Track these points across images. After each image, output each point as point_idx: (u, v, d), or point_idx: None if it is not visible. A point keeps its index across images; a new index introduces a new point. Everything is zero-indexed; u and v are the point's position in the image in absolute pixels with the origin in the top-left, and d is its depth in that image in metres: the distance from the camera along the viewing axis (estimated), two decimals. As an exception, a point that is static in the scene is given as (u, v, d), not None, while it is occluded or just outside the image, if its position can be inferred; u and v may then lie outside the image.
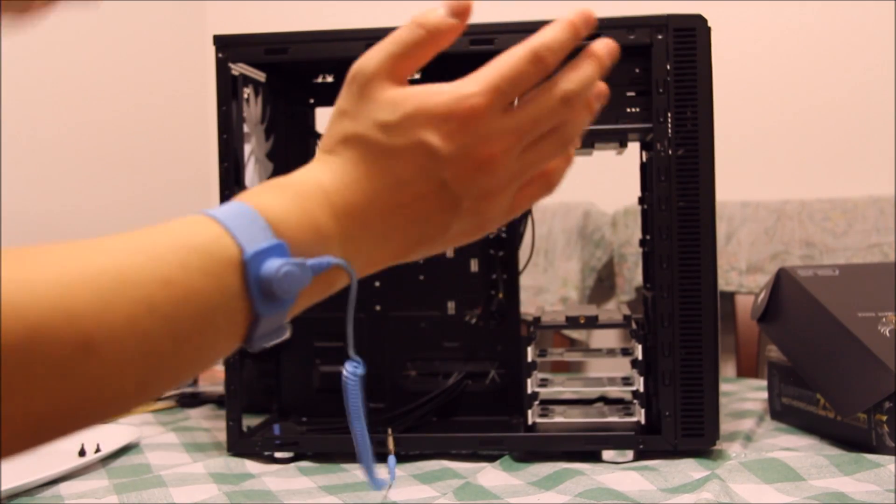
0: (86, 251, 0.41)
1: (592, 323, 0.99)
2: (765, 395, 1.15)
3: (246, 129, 1.02)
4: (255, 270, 0.45)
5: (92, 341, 0.39)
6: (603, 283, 1.91)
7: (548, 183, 0.60)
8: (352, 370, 0.59)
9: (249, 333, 0.46)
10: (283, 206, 0.48)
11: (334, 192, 0.51)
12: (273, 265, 0.45)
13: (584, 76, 0.56)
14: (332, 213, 0.50)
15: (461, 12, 0.56)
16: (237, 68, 0.99)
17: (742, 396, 1.25)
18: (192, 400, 1.28)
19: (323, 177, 0.52)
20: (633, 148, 1.03)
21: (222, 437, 1.01)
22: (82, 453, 0.95)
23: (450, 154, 0.50)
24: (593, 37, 0.94)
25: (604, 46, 0.58)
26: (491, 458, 0.94)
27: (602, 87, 0.59)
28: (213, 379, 1.39)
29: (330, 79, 1.12)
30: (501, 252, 1.09)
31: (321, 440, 0.99)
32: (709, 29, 0.92)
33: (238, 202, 0.48)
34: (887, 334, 0.93)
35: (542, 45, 0.53)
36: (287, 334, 0.49)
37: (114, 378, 0.41)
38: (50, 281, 0.39)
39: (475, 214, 0.53)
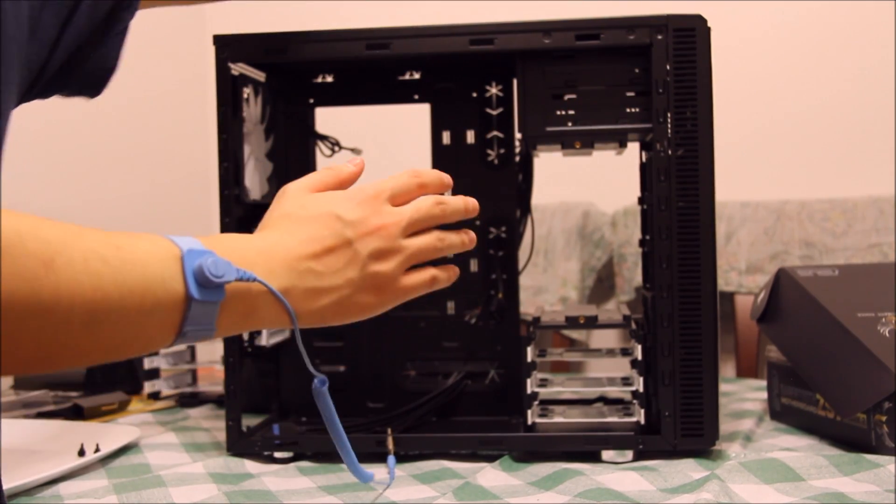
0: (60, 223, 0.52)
1: (592, 323, 0.99)
2: (764, 395, 1.15)
3: (246, 129, 1.02)
4: (191, 261, 0.55)
5: (53, 262, 0.49)
6: (602, 283, 1.91)
7: (433, 279, 0.74)
8: (320, 383, 0.69)
9: (183, 317, 0.55)
10: (220, 242, 0.61)
11: (261, 242, 0.64)
12: (206, 257, 0.56)
13: (454, 207, 0.74)
14: (258, 252, 0.62)
15: (359, 169, 0.74)
16: (237, 68, 0.99)
17: (742, 396, 1.25)
18: (191, 400, 1.28)
19: (255, 238, 0.65)
20: (633, 148, 1.03)
21: (222, 437, 1.01)
22: (82, 453, 0.95)
23: (353, 219, 0.66)
24: (593, 37, 0.94)
25: (471, 204, 0.76)
26: (490, 458, 0.94)
27: (471, 235, 0.77)
28: (213, 379, 1.39)
29: (330, 79, 1.12)
30: (501, 252, 1.09)
31: (321, 440, 0.99)
32: (709, 29, 0.92)
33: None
34: (887, 334, 0.93)
35: (424, 172, 0.74)
36: (213, 335, 0.57)
37: (66, 299, 0.49)
38: (28, 218, 0.50)
39: (374, 277, 0.67)
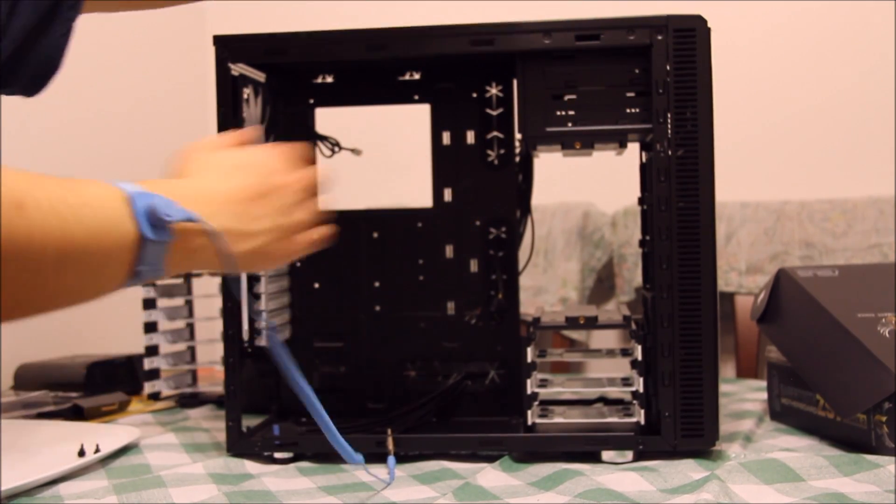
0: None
1: (592, 323, 0.99)
2: (764, 395, 1.15)
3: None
4: (140, 203, 0.58)
5: (23, 203, 0.51)
6: (602, 284, 1.91)
7: (324, 235, 0.79)
8: (271, 329, 0.76)
9: (136, 257, 0.57)
10: (158, 186, 0.63)
11: (198, 185, 0.67)
12: (154, 199, 0.58)
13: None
14: (197, 194, 0.65)
15: (256, 134, 0.79)
16: (237, 68, 0.99)
17: (742, 397, 1.25)
18: (191, 400, 1.28)
19: (191, 182, 0.68)
20: (633, 148, 1.03)
21: (222, 437, 1.01)
22: (82, 453, 0.95)
23: (279, 170, 0.72)
24: (593, 38, 0.94)
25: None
26: (490, 459, 0.94)
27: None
28: (213, 379, 1.39)
29: (330, 79, 1.12)
30: (501, 252, 1.10)
31: (321, 440, 0.98)
32: (709, 29, 0.92)
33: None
34: (887, 335, 0.93)
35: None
36: (162, 275, 0.60)
37: (38, 241, 0.52)
38: None
39: (294, 226, 0.72)
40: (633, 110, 0.95)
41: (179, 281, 1.34)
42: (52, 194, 0.53)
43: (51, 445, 1.00)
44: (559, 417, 1.01)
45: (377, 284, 1.11)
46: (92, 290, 0.57)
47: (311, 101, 1.12)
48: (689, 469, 0.88)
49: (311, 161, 0.79)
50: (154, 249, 0.58)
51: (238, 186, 0.68)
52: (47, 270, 0.53)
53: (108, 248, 0.56)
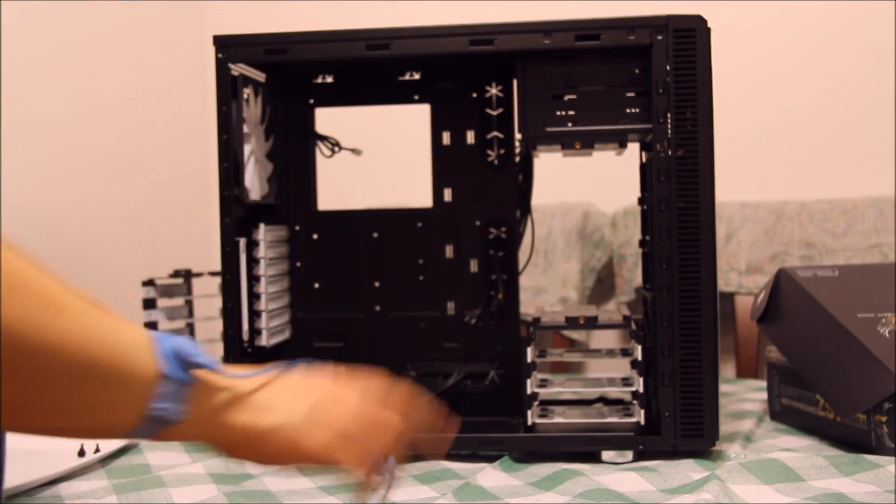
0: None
1: (592, 323, 0.99)
2: (764, 395, 1.15)
3: (246, 129, 1.02)
4: (163, 342, 0.54)
5: (65, 308, 0.49)
6: (602, 284, 1.91)
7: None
8: None
9: (154, 392, 0.53)
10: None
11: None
12: (177, 339, 0.55)
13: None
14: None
15: None
16: (237, 68, 0.99)
17: (741, 397, 1.25)
18: (191, 400, 1.28)
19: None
20: (633, 148, 1.03)
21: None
22: (82, 453, 0.95)
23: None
24: (593, 38, 0.94)
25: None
26: (490, 459, 0.94)
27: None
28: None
29: (330, 79, 1.12)
30: (501, 252, 1.10)
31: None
32: (709, 29, 0.92)
33: None
34: (887, 335, 0.93)
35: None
36: (179, 419, 0.55)
37: (71, 346, 0.49)
38: (29, 259, 0.50)
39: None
40: (633, 110, 0.95)
41: (179, 281, 1.34)
42: (84, 304, 0.51)
43: (51, 445, 1.00)
44: (559, 417, 1.01)
45: (377, 284, 1.11)
46: (100, 418, 0.54)
47: (311, 101, 1.12)
48: (689, 469, 0.88)
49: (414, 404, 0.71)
50: (173, 390, 0.54)
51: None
52: (65, 380, 0.50)
53: (128, 374, 0.52)
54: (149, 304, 1.29)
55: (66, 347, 0.49)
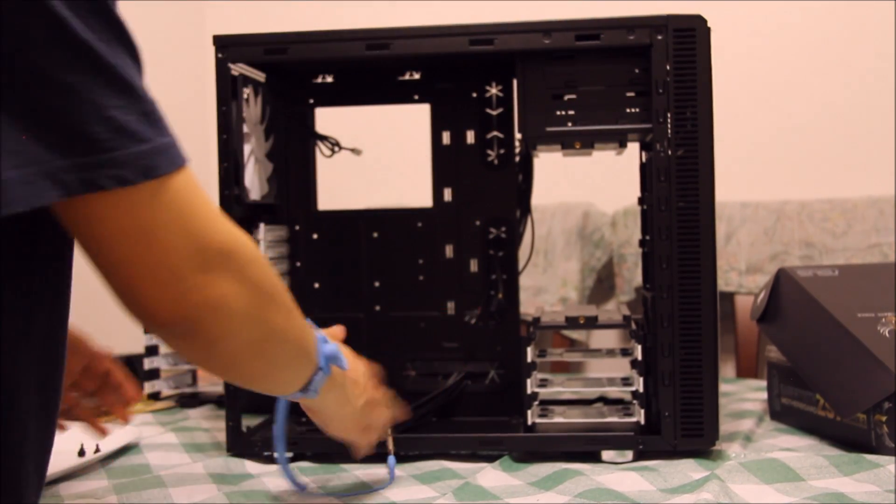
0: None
1: (592, 323, 0.99)
2: (764, 395, 1.15)
3: (246, 129, 1.02)
4: (322, 344, 0.75)
5: (293, 311, 0.68)
6: (602, 284, 1.91)
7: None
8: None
9: (312, 376, 0.74)
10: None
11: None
12: (332, 346, 0.76)
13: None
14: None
15: None
16: (237, 68, 0.99)
17: (741, 397, 1.25)
18: (191, 400, 1.28)
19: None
20: (633, 148, 1.03)
21: (222, 437, 1.01)
22: (82, 453, 0.95)
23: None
24: (593, 37, 0.94)
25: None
26: (490, 459, 0.94)
27: None
28: (213, 379, 1.39)
29: (330, 79, 1.12)
30: (501, 252, 1.09)
31: (320, 440, 0.98)
32: (708, 29, 0.92)
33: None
34: (887, 335, 0.93)
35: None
36: (316, 396, 0.76)
37: (289, 337, 0.68)
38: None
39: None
40: (632, 110, 0.95)
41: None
42: (296, 311, 0.68)
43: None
44: (559, 417, 1.01)
45: (377, 284, 1.11)
46: (285, 385, 0.74)
47: (311, 101, 1.12)
48: (689, 469, 0.88)
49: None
50: (320, 379, 0.74)
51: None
52: (286, 361, 0.70)
53: (308, 362, 0.73)
54: (149, 304, 1.29)
55: (294, 341, 0.69)
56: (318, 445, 0.98)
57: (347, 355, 0.81)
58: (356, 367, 0.84)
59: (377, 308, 1.11)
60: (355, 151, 1.16)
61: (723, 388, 1.28)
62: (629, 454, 0.93)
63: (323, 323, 1.11)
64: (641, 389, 0.96)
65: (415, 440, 0.96)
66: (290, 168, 1.12)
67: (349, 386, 0.81)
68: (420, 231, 1.11)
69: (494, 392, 1.09)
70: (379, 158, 1.69)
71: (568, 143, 0.97)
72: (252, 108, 1.05)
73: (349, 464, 0.94)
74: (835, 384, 0.94)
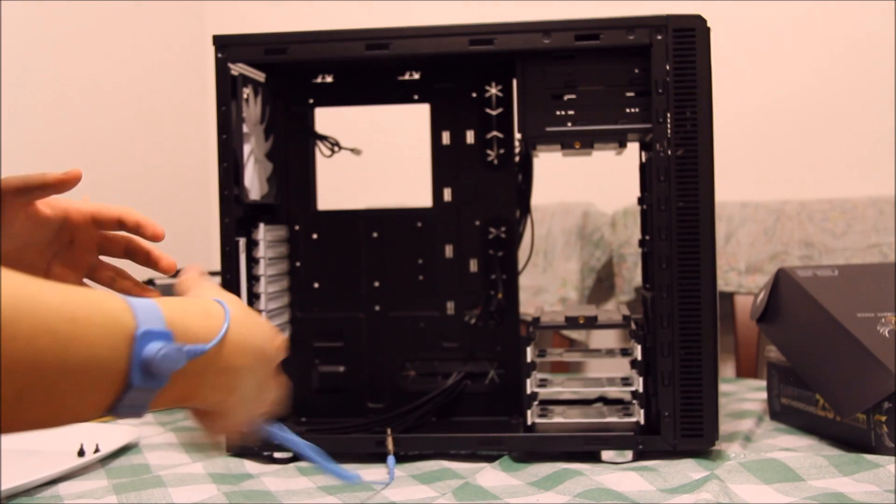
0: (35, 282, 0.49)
1: (592, 323, 0.99)
2: (764, 395, 1.15)
3: (245, 129, 1.02)
4: (141, 347, 0.52)
5: (16, 336, 0.46)
6: (602, 284, 1.91)
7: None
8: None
9: (118, 398, 0.52)
10: (179, 302, 0.59)
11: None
12: (155, 346, 0.53)
13: None
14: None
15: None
16: (237, 68, 0.99)
17: (741, 397, 1.25)
18: (191, 400, 1.28)
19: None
20: (633, 148, 1.03)
21: (222, 437, 1.00)
22: (81, 453, 0.95)
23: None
24: (593, 37, 0.94)
25: None
26: (490, 459, 0.94)
27: None
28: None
29: (329, 79, 1.12)
30: (501, 252, 1.10)
31: (320, 440, 0.99)
32: (708, 29, 0.92)
33: (149, 300, 0.56)
34: (886, 335, 0.93)
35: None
36: (144, 414, 0.55)
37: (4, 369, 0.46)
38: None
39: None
40: (632, 110, 0.95)
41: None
42: (42, 322, 0.47)
43: (51, 445, 1.00)
44: (559, 417, 1.01)
45: (377, 284, 1.11)
46: (57, 421, 0.51)
47: (311, 100, 1.12)
48: (688, 469, 0.88)
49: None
50: (139, 395, 0.53)
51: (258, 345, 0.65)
52: (6, 400, 0.47)
53: (86, 387, 0.50)
54: (148, 303, 1.29)
55: (28, 367, 0.47)
56: (317, 445, 0.98)
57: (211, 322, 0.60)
58: (248, 327, 0.64)
59: (377, 308, 1.11)
60: (355, 151, 1.16)
61: (722, 388, 1.28)
62: (629, 454, 0.93)
63: (323, 323, 1.11)
64: (641, 389, 0.96)
65: (415, 440, 0.97)
66: (289, 168, 1.12)
67: (247, 358, 0.62)
68: (420, 231, 1.11)
69: (494, 392, 1.09)
70: (379, 158, 1.69)
71: (568, 143, 0.97)
72: (252, 108, 1.05)
73: (348, 464, 0.94)
74: (834, 384, 0.94)
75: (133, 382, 0.52)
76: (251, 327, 0.64)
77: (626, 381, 1.02)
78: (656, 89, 0.92)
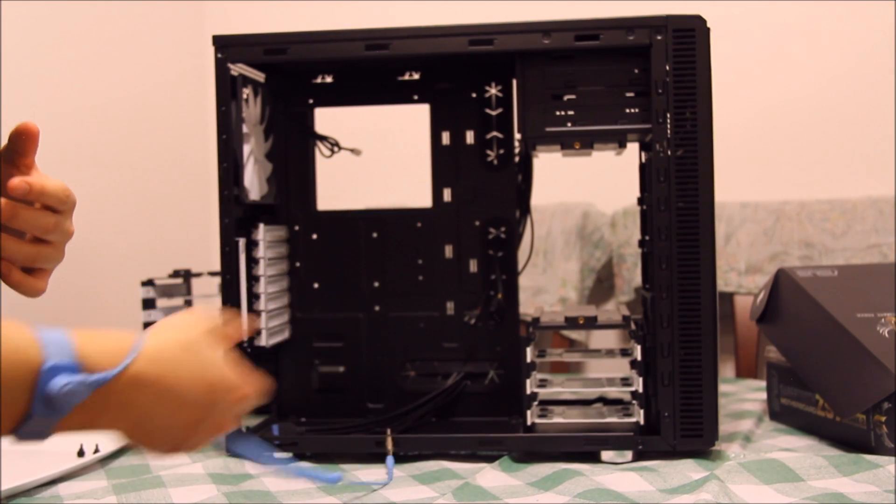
0: None
1: (591, 323, 0.99)
2: (764, 395, 1.15)
3: (245, 129, 1.02)
4: (45, 381, 0.54)
5: None
6: (602, 284, 1.91)
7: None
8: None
9: (20, 424, 0.55)
10: (96, 335, 0.59)
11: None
12: (60, 381, 0.54)
13: None
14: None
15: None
16: (236, 68, 0.99)
17: (741, 397, 1.25)
18: (191, 400, 1.28)
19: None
20: (633, 148, 1.03)
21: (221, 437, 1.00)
22: (81, 454, 0.95)
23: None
24: (593, 38, 0.94)
25: None
26: (490, 459, 0.94)
27: None
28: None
29: (329, 79, 1.12)
30: (500, 252, 1.09)
31: (320, 440, 0.99)
32: (708, 29, 0.92)
33: (62, 333, 0.57)
34: (886, 335, 0.93)
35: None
36: (46, 438, 0.57)
37: None
38: None
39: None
40: (632, 110, 0.95)
41: (179, 281, 1.34)
42: None
43: (50, 445, 0.99)
44: (559, 417, 1.01)
45: (377, 284, 1.11)
46: None
47: (311, 101, 1.12)
48: (688, 469, 0.88)
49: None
50: (40, 423, 0.56)
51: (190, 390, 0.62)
52: None
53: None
54: (148, 304, 1.29)
55: None
56: (317, 445, 0.98)
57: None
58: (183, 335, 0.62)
59: (377, 308, 1.11)
60: (355, 151, 1.16)
61: (722, 388, 1.28)
62: (628, 454, 0.93)
63: (323, 323, 1.11)
64: (641, 390, 0.96)
65: (414, 440, 0.97)
66: (289, 168, 1.12)
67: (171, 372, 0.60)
68: (420, 231, 1.11)
69: (494, 392, 1.09)
70: (378, 158, 1.68)
71: (567, 143, 0.97)
72: (252, 109, 1.05)
73: (348, 464, 0.94)
74: (834, 384, 0.94)
75: (34, 413, 0.55)
76: (183, 369, 0.61)
77: (625, 382, 1.02)
78: (656, 89, 0.92)
